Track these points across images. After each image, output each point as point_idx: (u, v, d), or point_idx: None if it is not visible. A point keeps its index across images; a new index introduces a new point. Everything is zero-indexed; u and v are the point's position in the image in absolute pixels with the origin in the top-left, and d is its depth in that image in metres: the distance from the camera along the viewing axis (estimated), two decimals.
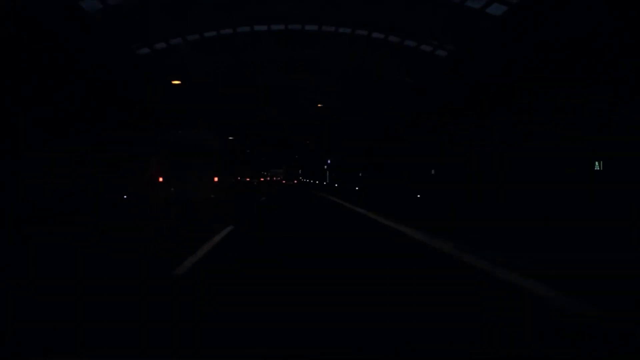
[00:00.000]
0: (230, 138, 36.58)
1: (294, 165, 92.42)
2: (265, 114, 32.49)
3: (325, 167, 51.12)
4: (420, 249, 6.19)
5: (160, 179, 16.74)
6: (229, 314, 3.20)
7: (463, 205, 13.69)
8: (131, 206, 14.84)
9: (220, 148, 20.51)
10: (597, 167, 9.02)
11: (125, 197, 15.90)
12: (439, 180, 17.15)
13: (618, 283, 4.02)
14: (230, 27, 17.79)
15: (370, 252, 6.08)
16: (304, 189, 43.36)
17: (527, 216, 9.88)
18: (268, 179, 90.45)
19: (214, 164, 18.95)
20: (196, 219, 11.08)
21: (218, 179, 18.85)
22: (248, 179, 72.90)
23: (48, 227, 8.80)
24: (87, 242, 6.88)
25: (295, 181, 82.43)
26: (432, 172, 18.02)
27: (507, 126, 12.05)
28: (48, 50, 12.37)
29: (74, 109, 13.54)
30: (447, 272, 4.68)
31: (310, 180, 78.83)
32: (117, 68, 16.02)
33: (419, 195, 18.71)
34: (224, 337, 2.74)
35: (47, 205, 11.79)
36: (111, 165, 14.99)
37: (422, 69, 18.51)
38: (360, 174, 31.42)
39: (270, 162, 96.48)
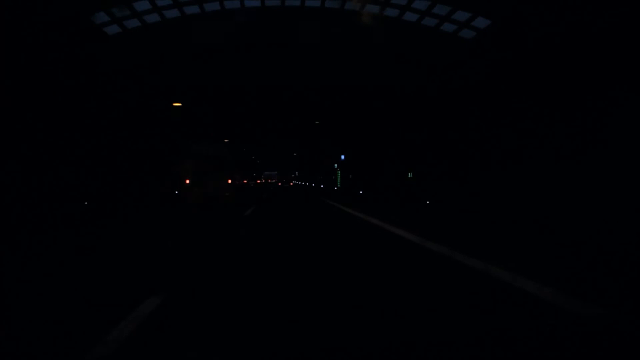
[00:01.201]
0: (226, 140, 38.48)
1: (290, 166, 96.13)
2: (260, 101, 27.58)
3: (336, 165, 38.15)
4: None
5: (187, 181, 21.43)
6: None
7: None
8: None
9: (231, 157, 25.57)
10: None
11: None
12: None
13: None
14: None
15: None
16: (304, 197, 26.41)
17: None
18: (263, 181, 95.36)
19: (228, 169, 23.79)
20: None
21: (231, 181, 23.91)
22: (245, 181, 77.48)
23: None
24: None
25: (291, 183, 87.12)
26: None
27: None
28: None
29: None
30: None
31: (309, 184, 67.06)
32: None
33: None
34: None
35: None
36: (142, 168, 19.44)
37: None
38: (409, 175, 20.02)
39: (264, 163, 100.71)
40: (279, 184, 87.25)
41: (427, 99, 17.94)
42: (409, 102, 19.79)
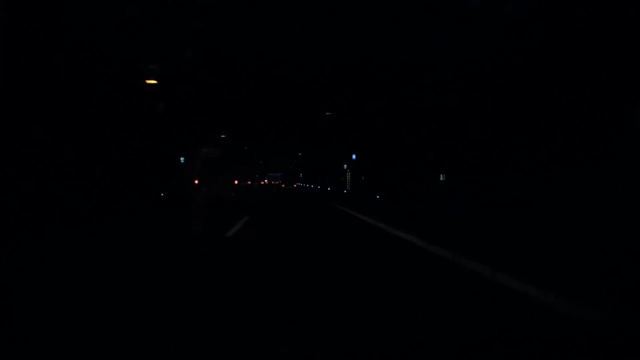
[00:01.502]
0: (223, 136, 37.65)
1: (294, 167, 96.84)
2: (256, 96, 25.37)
3: (346, 166, 34.37)
4: None
5: (196, 182, 22.48)
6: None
7: None
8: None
9: (236, 158, 26.60)
10: None
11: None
12: None
13: None
14: None
15: None
16: (310, 199, 26.26)
17: None
18: (267, 182, 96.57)
19: (234, 171, 24.79)
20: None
21: (237, 182, 24.96)
22: (249, 183, 78.29)
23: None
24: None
25: (295, 185, 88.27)
26: None
27: None
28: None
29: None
30: None
31: (314, 186, 64.16)
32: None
33: None
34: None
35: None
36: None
37: None
38: (441, 177, 16.23)
39: (268, 165, 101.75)
40: (283, 185, 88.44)
41: (462, 84, 14.35)
42: (434, 90, 16.03)
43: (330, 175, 44.37)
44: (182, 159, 23.45)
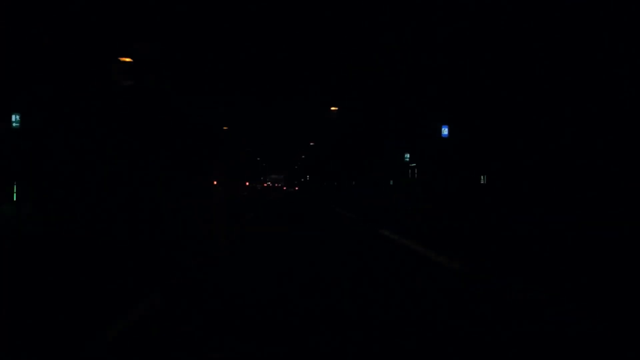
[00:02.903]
0: (225, 127, 40.29)
1: (299, 169, 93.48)
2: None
3: (408, 157, 21.05)
4: None
5: (215, 182, 26.28)
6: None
7: None
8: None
9: (247, 163, 30.14)
10: None
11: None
12: None
13: None
14: None
15: None
16: None
17: None
18: (270, 184, 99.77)
19: (245, 174, 28.43)
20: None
21: (249, 183, 28.61)
22: (255, 184, 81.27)
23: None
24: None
25: (296, 188, 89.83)
26: None
27: None
28: None
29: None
30: None
31: (328, 191, 42.35)
32: None
33: None
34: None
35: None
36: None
37: None
38: None
39: (271, 165, 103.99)
40: (284, 188, 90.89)
41: None
42: None
43: (359, 178, 26.60)
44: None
